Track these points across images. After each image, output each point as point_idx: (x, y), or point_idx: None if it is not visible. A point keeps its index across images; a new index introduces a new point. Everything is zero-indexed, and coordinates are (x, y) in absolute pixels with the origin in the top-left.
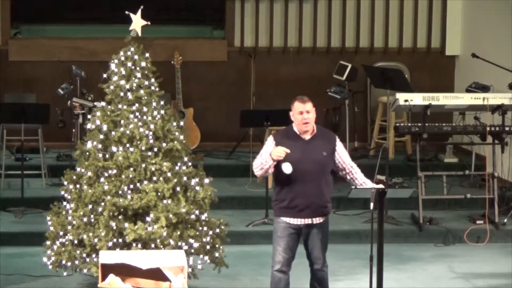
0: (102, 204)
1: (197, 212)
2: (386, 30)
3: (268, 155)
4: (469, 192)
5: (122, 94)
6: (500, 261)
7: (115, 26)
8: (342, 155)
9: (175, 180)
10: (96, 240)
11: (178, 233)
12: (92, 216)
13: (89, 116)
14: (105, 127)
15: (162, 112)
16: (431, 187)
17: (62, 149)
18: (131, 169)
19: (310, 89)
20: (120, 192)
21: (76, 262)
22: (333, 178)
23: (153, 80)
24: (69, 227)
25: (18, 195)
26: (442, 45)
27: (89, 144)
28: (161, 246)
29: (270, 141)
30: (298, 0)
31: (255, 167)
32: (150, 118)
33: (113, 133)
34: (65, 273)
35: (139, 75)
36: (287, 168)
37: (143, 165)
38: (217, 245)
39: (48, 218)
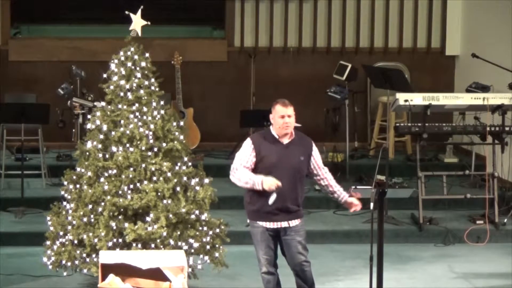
0: (102, 204)
1: (197, 212)
2: (386, 30)
3: (259, 182)
4: (469, 192)
5: (122, 94)
6: (500, 261)
7: (115, 26)
8: (317, 160)
9: (175, 180)
10: (96, 240)
11: (178, 233)
12: (92, 216)
13: (89, 116)
14: (105, 127)
15: (162, 112)
16: (431, 187)
17: (62, 149)
18: (131, 169)
19: (310, 89)
20: (120, 192)
21: (76, 262)
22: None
23: (153, 80)
24: (69, 227)
25: (18, 195)
26: (442, 45)
27: (89, 144)
28: (161, 246)
29: (248, 144)
30: (298, 0)
31: (238, 180)
32: (150, 118)
33: (113, 133)
34: (65, 273)
35: (139, 75)
36: (272, 198)
37: (143, 165)
38: (217, 245)
39: (48, 218)
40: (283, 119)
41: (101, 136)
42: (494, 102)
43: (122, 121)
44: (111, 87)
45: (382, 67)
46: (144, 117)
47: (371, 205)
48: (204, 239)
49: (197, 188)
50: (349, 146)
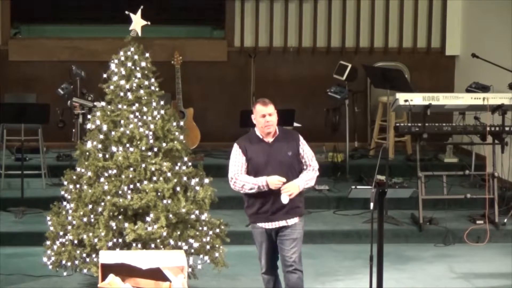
0: (102, 204)
1: (197, 212)
2: (386, 30)
3: (264, 184)
4: (469, 192)
5: (122, 94)
6: (500, 261)
7: (115, 26)
8: (306, 152)
9: (175, 180)
10: (96, 240)
11: (178, 233)
12: (92, 216)
13: (89, 116)
14: (105, 127)
15: (162, 112)
16: (431, 187)
17: (62, 149)
18: (131, 169)
19: (310, 89)
20: (120, 192)
21: (76, 262)
22: (333, 179)
23: (153, 80)
24: (69, 227)
25: (18, 195)
26: (442, 45)
27: (89, 144)
28: (161, 246)
29: (235, 150)
30: (298, 0)
31: (241, 187)
32: (150, 118)
33: (113, 133)
34: (65, 273)
35: (139, 75)
36: (284, 198)
37: (143, 165)
38: (217, 245)
39: (48, 218)
40: (264, 118)
41: (101, 136)
42: (494, 102)
43: (122, 121)
44: (111, 87)
45: (382, 67)
46: (144, 117)
47: (371, 205)
48: (204, 239)
49: (197, 188)
50: (349, 146)
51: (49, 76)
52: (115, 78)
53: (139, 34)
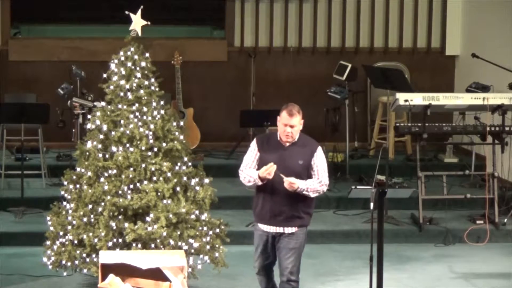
0: (102, 204)
1: (197, 212)
2: (386, 30)
3: (257, 177)
4: (469, 192)
5: (122, 94)
6: (500, 261)
7: (115, 26)
8: (318, 166)
9: (175, 180)
10: (96, 240)
11: (178, 233)
12: (92, 216)
13: (89, 116)
14: (105, 127)
15: (162, 112)
16: (431, 187)
17: (62, 149)
18: (131, 169)
19: (310, 89)
20: (120, 192)
21: (76, 262)
22: (333, 179)
23: (153, 80)
24: (69, 227)
25: (18, 195)
26: (442, 45)
27: (89, 144)
28: (161, 246)
29: (253, 145)
30: (298, 0)
31: (243, 179)
32: (150, 118)
33: (113, 133)
34: (65, 273)
35: (139, 75)
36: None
37: (143, 165)
38: (217, 245)
39: (48, 218)
40: (285, 128)
41: (101, 136)
42: (494, 102)
43: (122, 121)
44: (111, 87)
45: (382, 67)
46: (144, 117)
47: (371, 205)
48: (204, 239)
49: (197, 188)
50: (349, 146)
51: (49, 76)
52: (115, 78)
53: (139, 34)
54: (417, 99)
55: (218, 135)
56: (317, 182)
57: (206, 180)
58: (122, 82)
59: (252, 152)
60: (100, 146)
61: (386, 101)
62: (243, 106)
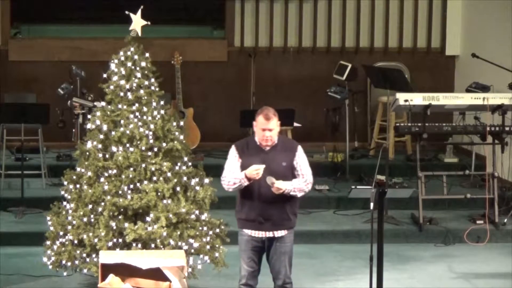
0: (102, 204)
1: (197, 212)
2: (386, 30)
3: (243, 177)
4: (469, 192)
5: (122, 94)
6: (500, 261)
7: (115, 26)
8: (301, 165)
9: (175, 180)
10: (96, 240)
11: (178, 233)
12: (92, 216)
13: (89, 116)
14: (105, 127)
15: (162, 112)
16: (431, 187)
17: (62, 149)
18: (131, 169)
19: (310, 89)
20: (120, 192)
21: (76, 262)
22: (333, 179)
23: (153, 80)
24: (69, 227)
25: (18, 195)
26: (442, 45)
27: (89, 144)
28: (161, 246)
29: (232, 153)
30: (298, 0)
31: (227, 184)
32: (150, 118)
33: (113, 133)
34: (65, 273)
35: (139, 75)
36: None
37: (143, 165)
38: (217, 245)
39: (48, 218)
40: (263, 132)
41: (101, 136)
42: (494, 102)
43: (122, 121)
44: (111, 87)
45: (382, 67)
46: (144, 117)
47: (371, 205)
48: (204, 239)
49: (197, 188)
50: (349, 146)
51: (49, 76)
52: (115, 78)
53: (139, 34)
54: (417, 99)
55: (218, 135)
56: (303, 181)
57: (206, 180)
58: (122, 82)
59: (233, 159)
60: (100, 146)
61: (386, 101)
62: (243, 106)
